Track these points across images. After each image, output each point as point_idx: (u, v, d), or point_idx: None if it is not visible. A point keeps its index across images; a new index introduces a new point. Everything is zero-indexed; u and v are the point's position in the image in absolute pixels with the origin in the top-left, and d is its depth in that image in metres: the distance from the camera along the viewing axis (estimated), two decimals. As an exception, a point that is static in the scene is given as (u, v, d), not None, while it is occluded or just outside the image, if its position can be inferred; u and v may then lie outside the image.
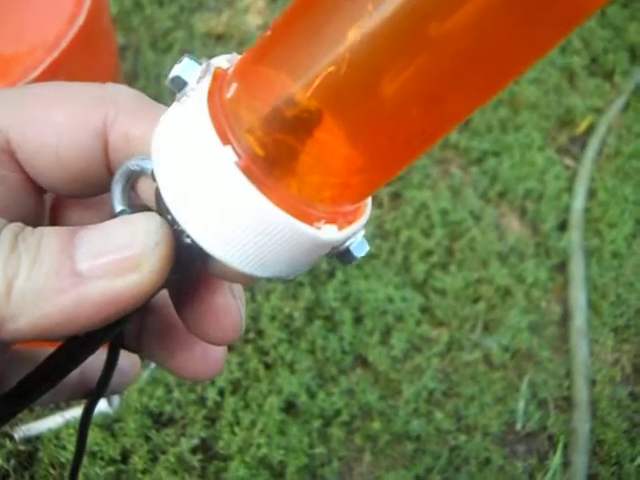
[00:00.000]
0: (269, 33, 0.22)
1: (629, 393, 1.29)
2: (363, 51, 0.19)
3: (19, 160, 0.25)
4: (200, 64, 0.22)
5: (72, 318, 0.21)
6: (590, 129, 1.65)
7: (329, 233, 0.22)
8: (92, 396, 0.31)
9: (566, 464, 1.20)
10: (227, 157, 0.21)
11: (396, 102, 0.20)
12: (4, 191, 0.25)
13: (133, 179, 0.26)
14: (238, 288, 0.28)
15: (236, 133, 0.21)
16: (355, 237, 0.24)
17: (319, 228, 0.22)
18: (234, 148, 0.21)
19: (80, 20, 0.74)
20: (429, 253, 1.38)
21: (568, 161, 1.60)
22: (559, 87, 1.70)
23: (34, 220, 0.27)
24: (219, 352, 0.30)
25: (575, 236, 1.43)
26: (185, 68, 0.22)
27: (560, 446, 1.21)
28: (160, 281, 0.22)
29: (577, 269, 1.39)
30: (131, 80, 1.56)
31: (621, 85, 1.74)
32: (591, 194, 1.52)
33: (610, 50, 1.80)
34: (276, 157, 0.21)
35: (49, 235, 0.21)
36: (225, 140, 0.21)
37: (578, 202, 1.48)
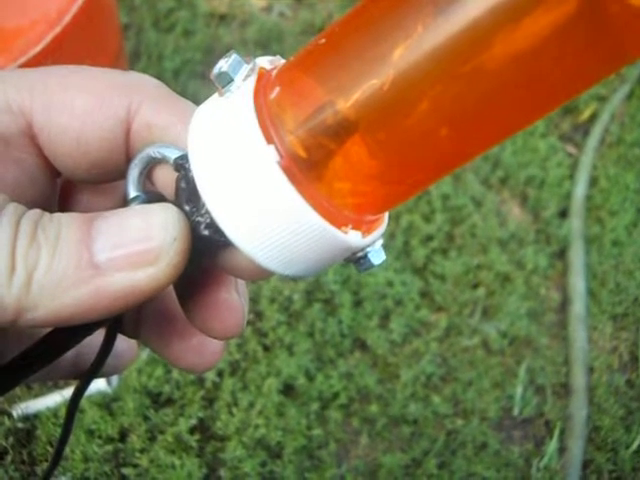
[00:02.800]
0: (320, 42, 0.22)
1: (626, 380, 1.29)
2: (407, 71, 0.19)
3: (40, 144, 0.25)
4: (246, 62, 0.23)
5: (90, 309, 0.21)
6: (593, 117, 1.64)
7: (355, 238, 0.23)
8: (84, 377, 0.31)
9: (562, 450, 1.21)
10: (270, 156, 0.21)
11: (429, 124, 0.20)
12: (21, 174, 0.25)
13: (150, 166, 0.26)
14: (242, 284, 0.28)
15: (279, 133, 0.21)
16: (374, 245, 0.24)
17: (346, 232, 0.22)
18: (277, 147, 0.21)
19: (83, -5, 0.74)
20: (429, 238, 1.38)
21: (570, 148, 1.60)
22: (563, 74, 1.70)
23: (46, 202, 0.27)
24: (217, 345, 0.30)
25: (576, 223, 1.43)
26: (233, 65, 0.22)
27: (556, 432, 1.22)
28: (177, 274, 0.22)
29: (577, 256, 1.39)
30: (133, 59, 1.55)
31: (625, 74, 1.73)
32: (593, 182, 1.52)
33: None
34: (315, 160, 0.22)
35: (68, 225, 0.21)
36: (269, 139, 0.21)
37: (579, 190, 1.48)
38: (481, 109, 0.20)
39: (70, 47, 0.73)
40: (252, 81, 0.22)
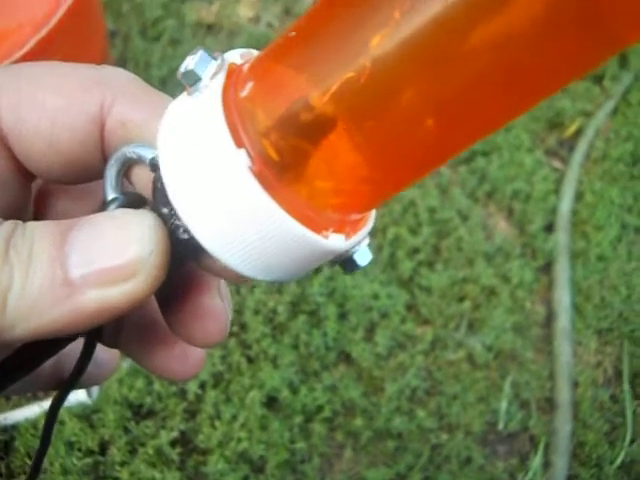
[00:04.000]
0: (292, 33, 0.21)
1: (610, 396, 1.29)
2: (385, 61, 0.18)
3: (10, 145, 0.24)
4: (214, 58, 0.21)
5: (68, 325, 0.21)
6: (579, 132, 1.65)
7: (336, 242, 0.22)
8: (63, 388, 0.30)
9: (547, 465, 1.20)
10: (240, 160, 0.20)
11: (412, 116, 0.19)
12: None
13: (127, 166, 0.25)
14: (224, 287, 0.27)
15: (250, 135, 0.20)
16: (359, 245, 0.23)
17: (327, 237, 0.21)
18: (248, 151, 0.20)
19: (70, -1, 0.73)
20: (416, 251, 1.38)
21: (556, 163, 1.60)
22: (549, 89, 1.71)
23: (20, 207, 0.26)
24: (199, 353, 0.29)
25: (561, 238, 1.43)
26: (199, 62, 0.21)
27: (541, 447, 1.21)
28: (156, 287, 0.21)
29: (562, 271, 1.39)
30: (119, 66, 1.53)
31: (610, 89, 1.75)
32: (578, 196, 1.53)
33: (600, 54, 1.80)
34: (289, 162, 0.20)
35: (40, 240, 0.21)
36: (239, 142, 0.20)
37: (565, 204, 1.48)
38: (465, 97, 0.18)
39: (55, 51, 0.72)
40: (220, 79, 0.21)
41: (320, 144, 0.20)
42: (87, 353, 0.28)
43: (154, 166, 0.23)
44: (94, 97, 0.24)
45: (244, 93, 0.21)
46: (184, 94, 0.22)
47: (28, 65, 0.25)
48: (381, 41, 0.18)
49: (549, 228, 1.47)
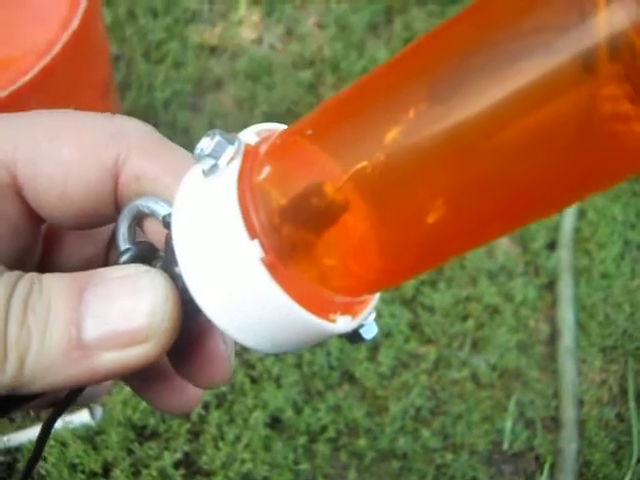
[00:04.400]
0: (311, 116, 0.22)
1: (616, 414, 1.28)
2: (398, 155, 0.19)
3: (25, 195, 0.25)
4: (231, 142, 0.22)
5: (81, 383, 0.22)
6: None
7: (343, 325, 0.22)
8: (58, 407, 0.30)
9: (553, 485, 1.19)
10: (253, 252, 0.20)
11: (420, 209, 0.20)
12: (3, 226, 0.24)
13: (140, 218, 0.26)
14: None
15: (263, 224, 0.21)
16: (366, 320, 0.24)
17: (334, 321, 0.22)
18: (261, 242, 0.21)
19: (74, 25, 0.74)
20: (418, 269, 1.38)
21: (558, 181, 1.61)
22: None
23: (29, 248, 0.27)
24: (199, 389, 0.29)
25: (564, 255, 1.43)
26: (216, 147, 0.21)
27: (547, 466, 1.20)
28: (167, 348, 0.23)
29: (566, 288, 1.39)
30: (123, 90, 1.55)
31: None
32: (581, 214, 1.53)
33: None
34: (301, 249, 0.21)
35: (56, 301, 0.22)
36: (252, 233, 0.21)
37: (568, 221, 1.48)
38: (472, 198, 0.19)
39: (59, 77, 0.73)
40: (237, 164, 0.22)
41: (330, 230, 0.21)
42: None
43: (167, 224, 0.24)
44: (109, 151, 0.25)
45: (261, 177, 0.21)
46: (200, 170, 0.22)
47: (42, 114, 0.25)
48: (395, 137, 0.19)
49: (552, 246, 1.47)
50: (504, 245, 1.47)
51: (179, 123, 1.52)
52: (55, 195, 0.24)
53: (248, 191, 0.21)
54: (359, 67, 1.66)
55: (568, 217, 1.49)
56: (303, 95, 1.63)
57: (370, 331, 0.24)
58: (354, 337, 0.24)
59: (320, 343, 0.24)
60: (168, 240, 0.24)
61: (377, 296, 0.24)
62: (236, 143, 0.22)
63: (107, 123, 0.25)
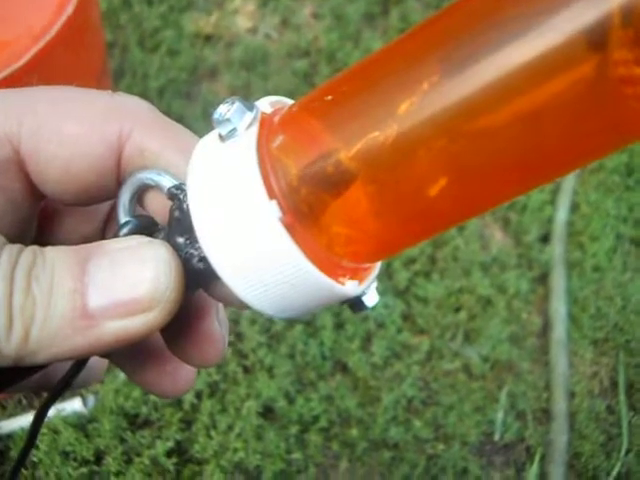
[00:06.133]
0: (326, 91, 0.22)
1: (607, 406, 1.29)
2: (410, 126, 0.20)
3: (27, 170, 0.25)
4: (249, 109, 0.22)
5: (86, 353, 0.22)
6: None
7: (352, 288, 0.23)
8: (52, 393, 0.30)
9: (543, 476, 1.20)
10: (272, 212, 0.21)
11: (428, 179, 0.20)
12: (4, 201, 0.24)
13: (141, 191, 0.26)
14: (222, 312, 0.28)
15: (281, 186, 0.22)
16: (369, 288, 0.24)
17: (343, 283, 0.23)
18: (279, 202, 0.21)
19: (69, 10, 0.73)
20: (412, 261, 1.38)
21: (552, 174, 1.61)
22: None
23: (28, 223, 0.26)
24: (190, 371, 0.30)
25: (557, 248, 1.44)
26: (235, 112, 0.22)
27: (537, 458, 1.21)
28: (170, 318, 0.23)
29: (558, 281, 1.39)
30: (118, 78, 1.54)
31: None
32: (574, 207, 1.53)
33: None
34: (315, 213, 0.22)
35: (60, 271, 0.22)
36: (271, 194, 0.21)
37: (561, 215, 1.49)
38: (482, 169, 0.20)
39: (54, 62, 0.73)
40: (254, 130, 0.22)
41: (342, 195, 0.22)
42: (79, 366, 0.28)
43: (172, 195, 0.24)
44: (113, 126, 0.25)
45: (275, 144, 0.22)
46: (213, 135, 0.23)
47: (45, 89, 0.25)
48: (408, 108, 0.19)
49: (545, 238, 1.48)
50: (497, 238, 1.47)
51: (173, 111, 1.52)
52: (58, 170, 0.24)
53: (266, 155, 0.22)
54: (355, 58, 1.65)
55: (561, 210, 1.49)
56: (298, 85, 1.62)
57: (372, 299, 0.25)
58: (357, 304, 0.24)
59: (327, 307, 0.24)
60: (172, 211, 0.24)
61: (379, 265, 0.25)
62: (254, 110, 0.22)
63: (109, 99, 0.26)
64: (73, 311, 0.21)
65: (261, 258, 0.22)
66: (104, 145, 0.25)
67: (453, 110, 0.19)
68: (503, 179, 0.20)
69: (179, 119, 1.47)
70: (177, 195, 0.24)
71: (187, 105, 1.55)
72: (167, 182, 0.25)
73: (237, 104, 0.22)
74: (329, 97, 0.22)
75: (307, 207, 0.22)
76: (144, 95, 1.53)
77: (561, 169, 0.20)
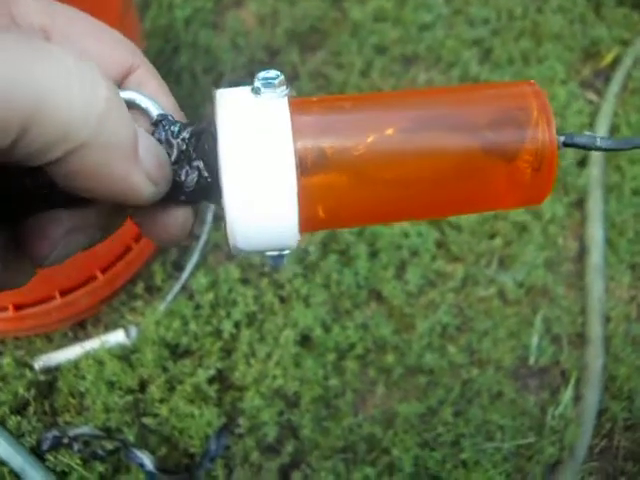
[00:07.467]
0: (327, 106, 0.30)
1: (643, 330, 1.29)
2: (372, 151, 0.29)
3: None
4: (287, 87, 0.29)
5: (113, 194, 0.25)
6: (616, 62, 1.60)
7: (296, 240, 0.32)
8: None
9: (577, 398, 1.21)
10: (294, 163, 0.27)
11: (374, 186, 0.30)
12: None
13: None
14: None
15: (307, 143, 0.28)
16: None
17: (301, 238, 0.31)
18: (303, 146, 0.28)
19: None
20: (446, 188, 1.37)
21: (591, 96, 1.56)
22: (585, 17, 1.64)
23: None
24: (179, 223, 0.31)
25: (595, 172, 1.41)
26: (279, 80, 0.28)
27: (572, 381, 1.22)
28: (160, 196, 0.27)
29: (595, 205, 1.37)
30: (143, 9, 1.52)
31: (649, 15, 1.68)
32: (613, 130, 1.49)
33: (639, -22, 1.72)
34: (314, 172, 0.29)
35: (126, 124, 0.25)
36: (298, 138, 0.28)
37: (600, 137, 1.45)
38: (407, 199, 0.31)
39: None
40: (287, 91, 0.28)
41: (325, 173, 0.29)
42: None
43: (157, 122, 0.28)
44: (127, 56, 0.29)
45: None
46: (248, 90, 0.29)
47: (62, 6, 0.28)
48: (374, 140, 0.29)
49: (582, 163, 1.44)
50: (533, 162, 1.44)
51: (200, 41, 1.49)
52: None
53: (295, 114, 0.28)
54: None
55: (600, 133, 1.45)
56: (327, 10, 1.58)
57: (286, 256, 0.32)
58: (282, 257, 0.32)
59: (277, 250, 0.31)
60: (197, 137, 0.29)
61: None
62: (289, 90, 0.29)
63: (117, 32, 0.29)
64: (131, 145, 0.24)
65: (269, 191, 0.27)
66: (119, 68, 0.28)
67: (397, 151, 0.29)
68: (415, 204, 0.31)
69: (207, 50, 1.44)
70: (162, 124, 0.28)
71: (214, 35, 1.53)
72: (154, 111, 0.29)
73: (281, 78, 0.28)
74: (331, 111, 0.30)
75: (313, 166, 0.29)
76: (171, 25, 1.51)
77: (457, 210, 0.36)
